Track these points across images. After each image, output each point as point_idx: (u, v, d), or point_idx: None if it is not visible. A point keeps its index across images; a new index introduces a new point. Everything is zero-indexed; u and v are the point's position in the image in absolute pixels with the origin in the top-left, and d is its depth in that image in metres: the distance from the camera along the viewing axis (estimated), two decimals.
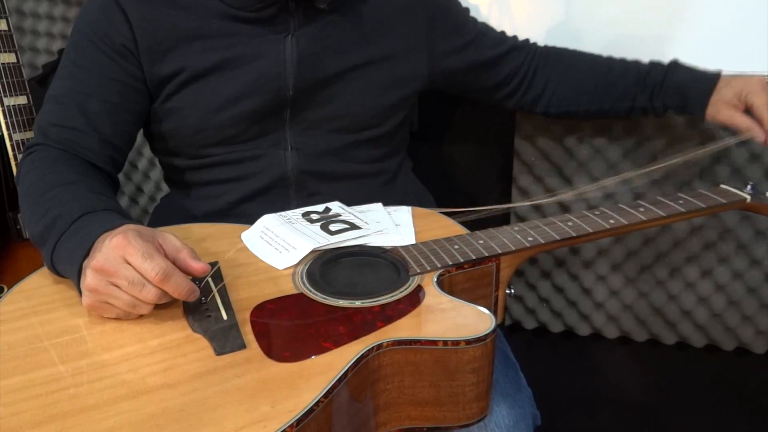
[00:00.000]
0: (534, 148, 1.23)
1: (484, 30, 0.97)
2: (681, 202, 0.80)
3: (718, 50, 1.10)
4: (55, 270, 0.67)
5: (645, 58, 1.14)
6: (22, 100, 1.18)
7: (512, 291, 0.75)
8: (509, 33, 1.19)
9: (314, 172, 0.83)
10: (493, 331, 0.58)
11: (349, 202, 0.83)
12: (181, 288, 0.58)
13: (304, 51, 0.81)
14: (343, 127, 0.85)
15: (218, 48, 0.80)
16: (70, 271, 0.63)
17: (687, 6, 1.09)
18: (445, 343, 0.56)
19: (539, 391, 1.10)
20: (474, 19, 0.98)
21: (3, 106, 1.16)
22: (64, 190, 0.72)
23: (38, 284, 0.68)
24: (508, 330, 1.37)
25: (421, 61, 0.89)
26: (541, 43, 1.18)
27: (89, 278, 0.59)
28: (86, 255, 0.61)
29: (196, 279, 0.65)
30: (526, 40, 1.01)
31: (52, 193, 0.72)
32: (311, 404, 0.49)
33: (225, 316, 0.60)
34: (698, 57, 1.12)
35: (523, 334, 1.37)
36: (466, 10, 0.97)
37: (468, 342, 0.56)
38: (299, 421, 0.48)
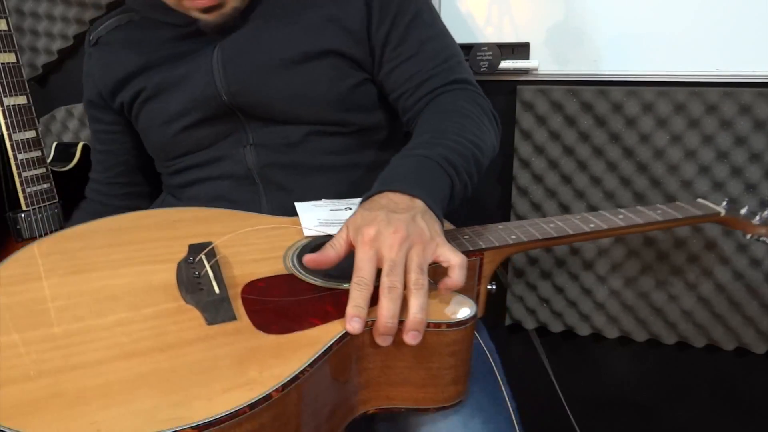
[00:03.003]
0: (533, 147, 1.23)
1: (420, 57, 0.85)
2: (659, 212, 0.84)
3: (718, 50, 1.10)
4: None
5: (645, 58, 1.14)
6: (22, 100, 1.18)
7: (494, 287, 0.76)
8: (509, 33, 1.19)
9: (276, 165, 0.85)
10: (474, 317, 0.59)
11: (326, 194, 0.84)
12: None
13: (229, 57, 0.84)
14: (295, 119, 0.85)
15: (160, 73, 0.87)
16: None
17: (687, 5, 1.09)
18: (426, 325, 0.57)
19: (539, 391, 1.10)
20: (419, 38, 0.85)
21: (3, 106, 1.16)
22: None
23: (36, 254, 0.70)
24: (507, 330, 1.37)
25: (364, 50, 0.85)
26: (541, 42, 1.18)
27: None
28: None
29: (189, 255, 0.68)
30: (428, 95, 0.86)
31: None
32: (296, 372, 0.51)
33: (217, 290, 0.62)
34: (698, 57, 1.12)
35: (523, 334, 1.37)
36: (419, 25, 0.86)
37: (449, 325, 0.58)
38: (284, 386, 0.49)
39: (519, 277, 1.33)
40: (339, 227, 0.73)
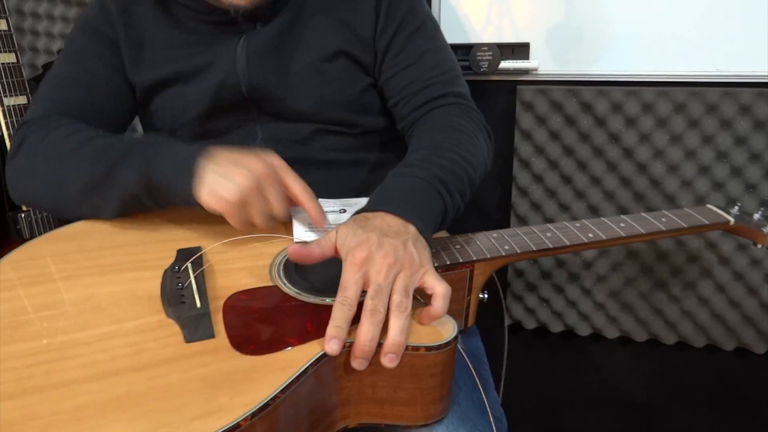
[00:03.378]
0: (533, 147, 1.23)
1: (419, 68, 0.87)
2: (663, 219, 0.79)
3: (718, 50, 1.10)
4: (147, 183, 0.69)
5: (645, 58, 1.14)
6: (22, 100, 1.18)
7: (486, 296, 0.75)
8: (509, 33, 1.18)
9: (283, 159, 0.85)
10: (455, 338, 0.58)
11: (330, 189, 0.84)
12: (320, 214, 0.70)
13: (254, 52, 0.84)
14: (305, 118, 0.86)
15: (179, 58, 0.84)
16: (182, 164, 0.67)
17: (687, 6, 1.09)
18: (405, 347, 0.56)
19: (539, 391, 1.09)
20: (426, 51, 0.87)
21: (3, 106, 1.16)
22: (108, 137, 0.75)
23: (28, 256, 0.70)
24: (507, 330, 1.37)
25: (370, 55, 0.87)
26: (541, 42, 1.18)
27: (247, 178, 0.65)
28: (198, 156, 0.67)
29: (175, 264, 0.68)
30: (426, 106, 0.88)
31: (98, 140, 0.74)
32: (266, 400, 0.50)
33: (198, 304, 0.61)
34: (698, 56, 1.12)
35: (523, 334, 1.37)
36: (422, 42, 0.88)
37: (428, 349, 0.57)
38: (253, 415, 0.49)
39: (519, 277, 1.33)
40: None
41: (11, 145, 0.81)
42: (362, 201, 0.82)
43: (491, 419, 0.72)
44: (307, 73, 0.84)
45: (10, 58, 1.17)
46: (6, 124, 1.16)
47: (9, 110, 1.16)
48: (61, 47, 1.38)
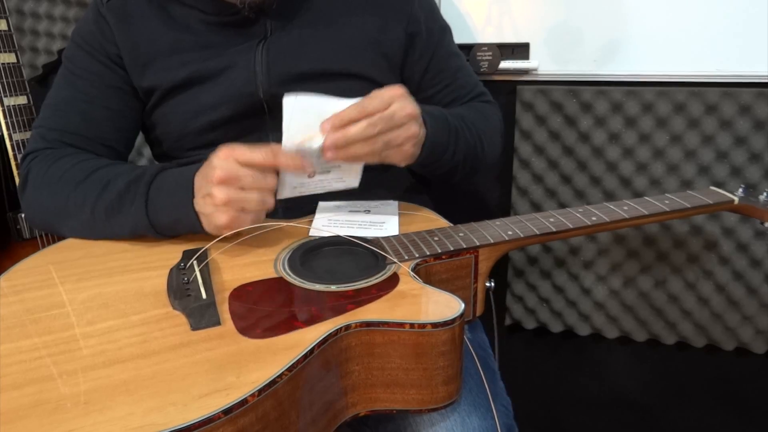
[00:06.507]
0: (533, 147, 1.23)
1: (455, 83, 0.95)
2: (667, 201, 0.80)
3: (718, 50, 1.10)
4: (152, 227, 0.72)
5: (645, 57, 1.14)
6: (22, 100, 1.18)
7: (493, 284, 0.76)
8: (509, 33, 1.18)
9: None
10: (461, 316, 0.59)
11: (339, 192, 0.85)
12: (291, 159, 0.67)
13: (275, 58, 0.83)
14: None
15: (193, 61, 0.83)
16: (179, 212, 0.70)
17: (687, 5, 1.09)
18: (411, 325, 0.58)
19: (539, 391, 1.09)
20: (456, 65, 0.95)
21: (3, 106, 1.16)
22: (109, 168, 0.76)
23: (37, 263, 0.72)
24: (507, 330, 1.37)
25: (394, 77, 0.90)
26: (541, 42, 1.18)
27: (218, 194, 0.65)
28: (192, 194, 0.69)
29: (182, 261, 0.69)
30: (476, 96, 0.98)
31: (99, 172, 0.75)
32: (274, 376, 0.51)
33: (204, 295, 0.63)
34: (698, 56, 1.12)
35: (523, 334, 1.37)
36: (452, 54, 0.95)
37: (434, 325, 0.58)
38: (261, 391, 0.50)
39: (519, 277, 1.33)
40: (349, 228, 0.76)
41: (19, 177, 0.83)
42: (389, 203, 0.84)
43: (500, 406, 0.74)
44: (324, 85, 0.82)
45: (10, 58, 1.17)
46: (6, 124, 1.16)
47: (9, 110, 1.16)
48: (62, 47, 1.38)
